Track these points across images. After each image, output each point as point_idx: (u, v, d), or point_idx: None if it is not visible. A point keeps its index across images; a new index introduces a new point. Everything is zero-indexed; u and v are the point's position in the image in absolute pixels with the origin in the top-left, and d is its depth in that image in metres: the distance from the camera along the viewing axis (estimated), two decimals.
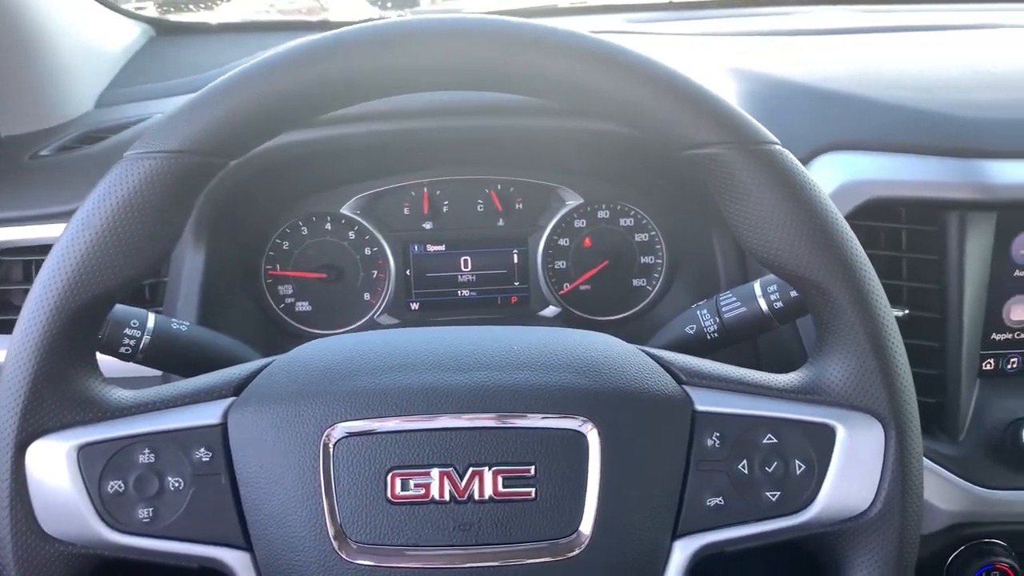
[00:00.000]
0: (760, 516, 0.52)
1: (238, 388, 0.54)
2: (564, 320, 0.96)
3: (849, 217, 0.76)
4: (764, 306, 0.66)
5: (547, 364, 0.53)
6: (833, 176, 0.78)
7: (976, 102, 0.80)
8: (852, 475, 0.52)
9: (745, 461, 0.52)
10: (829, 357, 0.53)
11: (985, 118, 0.78)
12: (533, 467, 0.50)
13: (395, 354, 0.54)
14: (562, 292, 0.97)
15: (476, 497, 0.50)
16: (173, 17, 1.30)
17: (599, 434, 0.51)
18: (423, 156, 0.92)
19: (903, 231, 0.78)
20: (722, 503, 0.52)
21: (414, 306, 0.96)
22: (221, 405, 0.53)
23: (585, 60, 0.50)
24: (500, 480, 0.50)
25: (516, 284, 0.97)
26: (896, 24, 1.14)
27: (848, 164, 0.78)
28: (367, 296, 0.96)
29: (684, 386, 0.54)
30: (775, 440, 0.52)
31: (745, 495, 0.52)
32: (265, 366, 0.55)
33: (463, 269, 0.96)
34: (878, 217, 0.77)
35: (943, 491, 0.76)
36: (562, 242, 0.96)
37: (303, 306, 0.95)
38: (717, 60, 0.95)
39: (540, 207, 0.96)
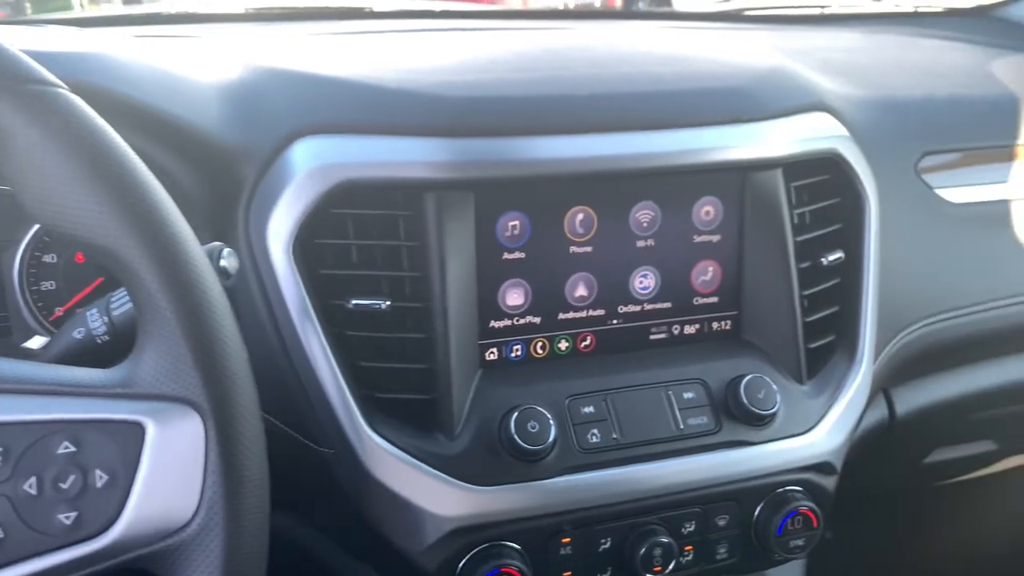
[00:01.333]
0: (50, 547, 0.41)
1: None
2: None
3: (324, 203, 0.69)
4: None
5: None
6: (306, 160, 0.70)
7: (460, 83, 0.76)
8: (167, 480, 0.42)
9: (34, 479, 0.41)
10: (143, 343, 0.44)
11: (462, 97, 0.74)
12: None
13: None
14: (53, 318, 0.82)
15: None
16: None
17: None
18: None
19: (399, 217, 0.72)
20: (2, 536, 0.40)
21: None
22: None
23: None
24: None
25: None
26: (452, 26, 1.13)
27: (323, 148, 0.71)
28: None
29: None
30: (73, 448, 0.42)
31: (31, 522, 0.41)
32: None
33: None
34: (362, 204, 0.71)
35: (439, 495, 0.69)
36: (47, 258, 0.82)
37: None
38: (245, 56, 0.86)
39: (11, 218, 0.81)
